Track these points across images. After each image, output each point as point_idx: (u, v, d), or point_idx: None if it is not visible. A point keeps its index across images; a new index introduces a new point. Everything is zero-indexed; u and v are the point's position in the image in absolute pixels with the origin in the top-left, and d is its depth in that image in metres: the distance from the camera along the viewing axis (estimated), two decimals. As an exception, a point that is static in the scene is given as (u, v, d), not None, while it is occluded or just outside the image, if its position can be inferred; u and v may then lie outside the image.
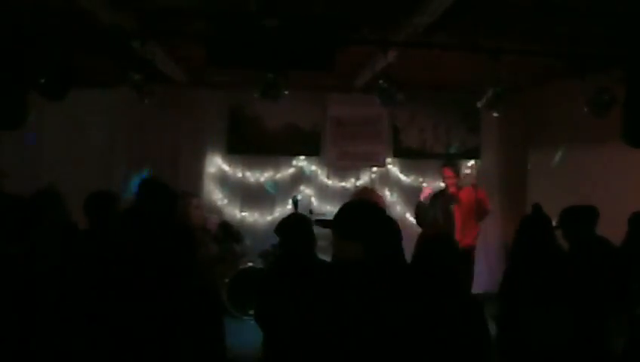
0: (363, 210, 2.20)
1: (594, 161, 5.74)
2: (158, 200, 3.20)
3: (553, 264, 2.88)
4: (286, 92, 4.83)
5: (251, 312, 6.12)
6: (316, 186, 7.54)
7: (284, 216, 3.41)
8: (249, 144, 7.30)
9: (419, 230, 6.26)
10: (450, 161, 6.11)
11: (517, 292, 3.03)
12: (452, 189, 5.87)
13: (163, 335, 2.29)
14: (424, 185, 7.60)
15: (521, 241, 3.10)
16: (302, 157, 7.52)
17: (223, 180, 7.36)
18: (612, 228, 3.62)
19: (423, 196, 5.86)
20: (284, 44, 4.27)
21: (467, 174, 6.68)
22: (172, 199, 3.43)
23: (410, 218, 7.52)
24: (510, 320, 3.01)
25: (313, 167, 7.57)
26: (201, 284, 2.69)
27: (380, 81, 4.85)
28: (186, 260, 2.55)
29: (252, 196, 7.38)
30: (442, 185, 6.10)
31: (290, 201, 6.62)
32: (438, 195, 6.02)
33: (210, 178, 7.30)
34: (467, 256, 5.70)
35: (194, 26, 4.52)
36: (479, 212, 5.91)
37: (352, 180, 7.64)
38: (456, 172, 5.95)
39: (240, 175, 7.40)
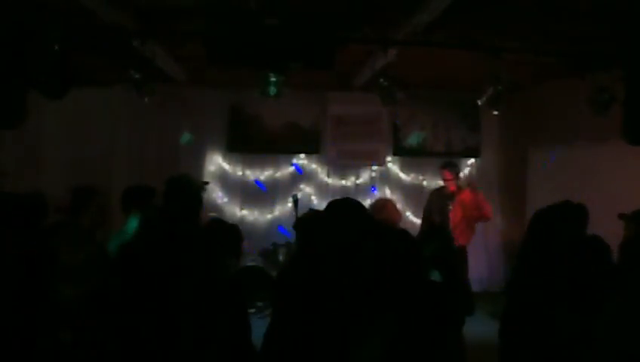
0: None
1: (594, 160, 5.74)
2: (184, 198, 3.18)
3: (555, 263, 2.89)
4: (286, 90, 4.83)
5: (252, 310, 6.15)
6: (316, 185, 7.55)
7: (301, 213, 3.41)
8: (249, 142, 7.30)
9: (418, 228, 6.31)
10: (450, 163, 6.12)
11: (520, 290, 3.03)
12: (452, 188, 5.91)
13: (197, 329, 2.33)
14: (424, 183, 7.63)
15: (530, 239, 3.09)
16: (302, 155, 7.52)
17: (223, 179, 7.36)
18: (612, 227, 3.62)
19: None
20: (284, 42, 4.27)
21: (466, 177, 6.71)
22: (197, 195, 3.40)
23: (411, 216, 7.55)
24: (514, 318, 3.01)
25: (313, 166, 7.58)
26: (232, 278, 2.75)
27: (380, 80, 4.86)
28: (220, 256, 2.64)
29: (252, 194, 7.39)
30: (441, 183, 6.17)
31: (291, 200, 6.64)
32: (436, 192, 6.17)
33: (210, 176, 7.30)
34: (462, 254, 5.77)
35: (194, 25, 4.52)
36: (478, 216, 5.87)
37: (352, 178, 7.64)
38: (456, 174, 5.99)
39: (240, 173, 7.40)
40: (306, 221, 3.15)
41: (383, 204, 4.22)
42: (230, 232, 2.95)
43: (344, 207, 2.51)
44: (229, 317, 2.49)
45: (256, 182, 7.37)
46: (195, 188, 3.33)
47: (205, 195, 6.81)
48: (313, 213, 3.47)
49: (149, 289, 2.42)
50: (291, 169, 7.52)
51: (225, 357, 2.49)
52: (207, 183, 5.11)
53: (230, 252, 2.84)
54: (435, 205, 6.06)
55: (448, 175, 5.93)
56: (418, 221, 7.37)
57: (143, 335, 2.37)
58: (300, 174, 7.48)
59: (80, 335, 2.53)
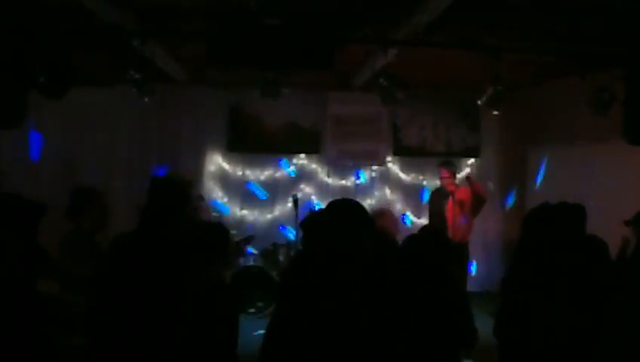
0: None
1: (594, 160, 5.74)
2: (170, 197, 3.16)
3: (554, 261, 2.89)
4: (286, 90, 4.84)
5: (251, 310, 6.15)
6: (316, 185, 7.55)
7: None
8: (249, 142, 7.30)
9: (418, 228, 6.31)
10: (447, 162, 6.15)
11: (518, 289, 3.03)
12: (450, 188, 5.92)
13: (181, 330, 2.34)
14: (424, 183, 7.63)
15: (526, 238, 3.09)
16: (302, 155, 7.52)
17: (223, 179, 7.36)
18: (612, 227, 3.62)
19: None
20: (284, 42, 4.27)
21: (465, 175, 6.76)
22: (185, 194, 3.38)
23: (411, 216, 7.56)
24: (510, 317, 3.02)
25: (313, 166, 7.58)
26: (219, 281, 2.74)
27: (380, 80, 4.86)
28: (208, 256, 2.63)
29: (252, 194, 7.39)
30: (438, 183, 6.21)
31: (291, 200, 6.64)
32: (435, 193, 6.30)
33: (210, 176, 7.30)
34: (463, 251, 5.81)
35: (194, 25, 4.53)
36: (477, 204, 5.91)
37: (352, 178, 7.64)
38: (453, 172, 6.01)
39: (240, 173, 7.40)
40: (309, 221, 3.14)
41: (382, 211, 4.20)
42: (216, 234, 2.88)
43: (344, 207, 2.51)
44: (212, 324, 2.48)
45: (250, 185, 7.34)
46: (179, 186, 3.31)
47: (205, 195, 6.86)
48: (317, 212, 3.46)
49: (129, 293, 2.42)
50: (291, 169, 7.52)
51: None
52: (201, 198, 5.12)
53: (220, 255, 2.79)
54: (434, 206, 6.16)
55: (445, 173, 5.96)
56: (418, 221, 7.40)
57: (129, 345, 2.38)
58: (292, 176, 7.44)
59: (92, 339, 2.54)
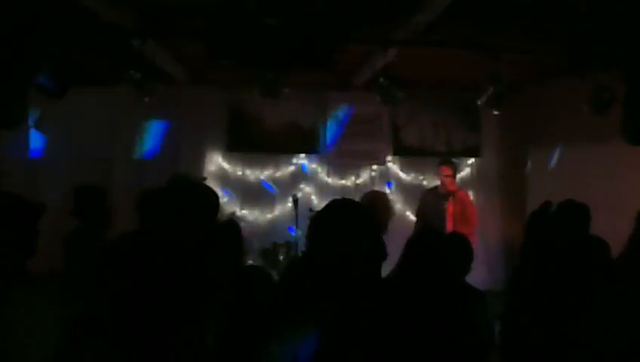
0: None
1: (594, 160, 5.74)
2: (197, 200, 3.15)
3: (555, 263, 2.89)
4: (286, 90, 4.84)
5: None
6: (316, 184, 7.55)
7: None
8: (249, 142, 7.29)
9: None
10: (448, 160, 6.10)
11: (522, 291, 3.03)
12: (451, 187, 5.86)
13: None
14: (424, 183, 7.62)
15: (530, 240, 3.09)
16: (302, 155, 7.52)
17: (223, 178, 7.36)
18: (613, 227, 3.61)
19: None
20: (284, 42, 4.27)
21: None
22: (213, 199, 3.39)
23: (411, 216, 7.54)
24: (514, 320, 3.02)
25: (313, 165, 7.58)
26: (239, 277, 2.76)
27: (380, 79, 4.86)
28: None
29: (252, 194, 7.38)
30: (438, 182, 6.11)
31: (291, 200, 6.63)
32: (430, 192, 6.11)
33: (210, 176, 7.28)
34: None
35: (194, 25, 4.53)
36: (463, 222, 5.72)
37: (352, 178, 7.64)
38: (454, 170, 5.95)
39: (240, 173, 7.40)
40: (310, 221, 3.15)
41: (373, 199, 4.16)
42: (230, 228, 2.94)
43: (342, 207, 2.51)
44: (236, 316, 2.50)
45: (264, 183, 7.33)
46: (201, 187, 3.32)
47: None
48: (318, 212, 3.45)
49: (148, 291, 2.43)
50: (291, 169, 7.51)
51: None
52: (204, 179, 5.10)
53: (236, 247, 2.85)
54: (430, 206, 5.93)
55: (447, 170, 5.83)
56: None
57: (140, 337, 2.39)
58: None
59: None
